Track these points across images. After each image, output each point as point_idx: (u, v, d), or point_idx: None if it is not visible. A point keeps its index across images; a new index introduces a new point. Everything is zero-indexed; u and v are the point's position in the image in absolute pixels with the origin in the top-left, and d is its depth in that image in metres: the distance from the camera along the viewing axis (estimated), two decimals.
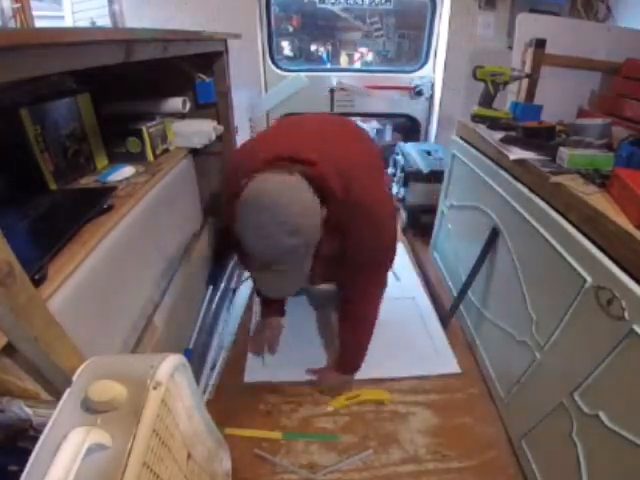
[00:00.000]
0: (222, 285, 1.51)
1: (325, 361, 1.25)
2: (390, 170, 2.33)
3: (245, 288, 1.59)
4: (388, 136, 2.76)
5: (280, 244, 0.66)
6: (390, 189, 1.06)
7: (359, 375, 1.21)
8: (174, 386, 0.57)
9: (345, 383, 1.16)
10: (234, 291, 1.56)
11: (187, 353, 1.23)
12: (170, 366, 0.53)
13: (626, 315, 0.64)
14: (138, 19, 2.03)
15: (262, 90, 2.26)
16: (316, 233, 0.71)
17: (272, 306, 1.28)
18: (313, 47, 2.64)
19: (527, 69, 1.52)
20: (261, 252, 0.69)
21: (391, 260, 0.99)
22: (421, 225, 2.00)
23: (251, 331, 1.37)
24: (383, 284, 1.02)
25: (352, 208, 0.81)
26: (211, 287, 1.53)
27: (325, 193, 0.74)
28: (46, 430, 0.45)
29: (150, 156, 1.15)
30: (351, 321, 1.06)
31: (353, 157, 0.87)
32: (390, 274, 1.04)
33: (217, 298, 1.47)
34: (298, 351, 1.29)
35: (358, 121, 2.29)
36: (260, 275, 0.78)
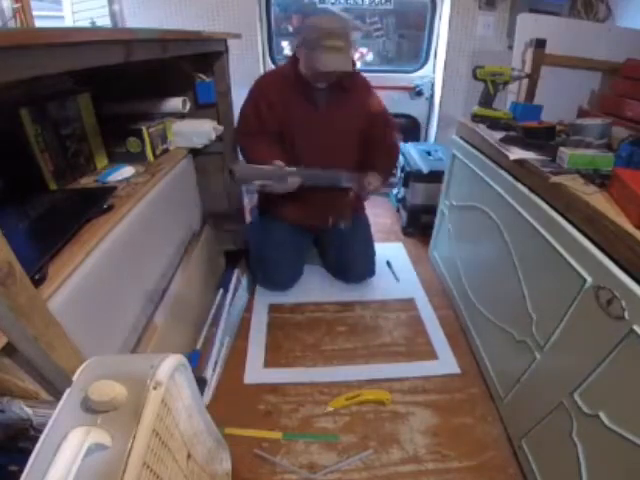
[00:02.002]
0: (231, 287, 1.52)
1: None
2: None
3: (244, 290, 1.59)
4: None
5: (345, 24, 1.20)
6: None
7: (359, 375, 1.22)
8: (174, 386, 0.57)
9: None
10: (234, 292, 1.56)
11: (195, 354, 1.24)
12: (170, 366, 0.53)
13: (626, 315, 0.64)
14: (138, 19, 2.03)
15: None
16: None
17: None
18: None
19: (527, 69, 1.52)
20: (334, 27, 1.12)
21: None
22: (421, 225, 2.01)
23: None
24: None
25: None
26: (221, 290, 1.53)
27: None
28: (46, 430, 0.45)
29: (150, 156, 1.15)
30: (387, 148, 1.39)
31: None
32: (390, 275, 1.41)
33: (228, 301, 1.48)
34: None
35: None
36: (330, 55, 1.12)
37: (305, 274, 1.64)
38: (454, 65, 2.23)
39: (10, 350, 0.52)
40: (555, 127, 1.12)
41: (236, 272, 1.67)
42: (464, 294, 1.39)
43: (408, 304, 1.55)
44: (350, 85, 1.27)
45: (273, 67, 2.34)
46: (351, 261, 1.57)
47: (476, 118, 1.39)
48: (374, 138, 1.36)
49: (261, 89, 1.28)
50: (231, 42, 1.33)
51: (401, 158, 2.12)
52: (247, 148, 1.35)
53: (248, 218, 1.81)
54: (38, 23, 1.59)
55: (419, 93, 2.41)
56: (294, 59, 1.25)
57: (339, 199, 1.43)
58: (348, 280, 1.62)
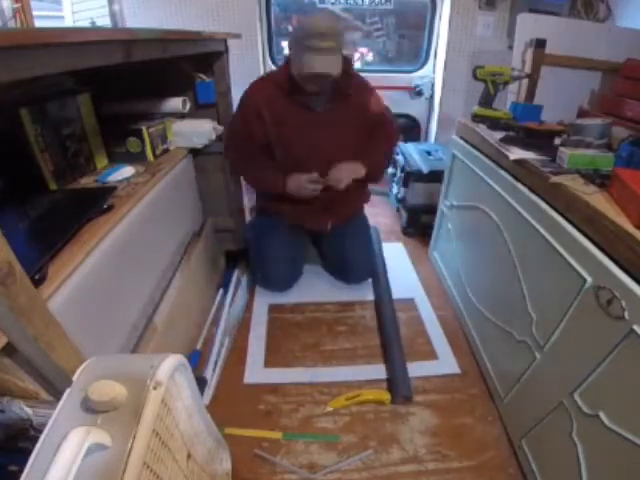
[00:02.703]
0: (231, 287, 1.52)
1: None
2: (390, 170, 2.33)
3: (244, 290, 1.59)
4: None
5: (335, 24, 1.10)
6: None
7: (359, 375, 1.22)
8: (174, 386, 0.57)
9: (357, 168, 1.28)
10: (234, 292, 1.56)
11: (195, 354, 1.24)
12: (170, 366, 0.53)
13: (626, 315, 0.64)
14: (138, 19, 2.03)
15: None
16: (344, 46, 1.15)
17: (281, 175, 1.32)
18: None
19: (527, 69, 1.52)
20: (320, 26, 1.04)
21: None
22: (421, 225, 2.01)
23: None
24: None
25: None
26: (221, 290, 1.53)
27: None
28: (46, 430, 0.45)
29: (150, 156, 1.15)
30: (379, 138, 1.34)
31: None
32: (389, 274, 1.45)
33: (228, 301, 1.47)
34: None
35: None
36: (315, 57, 1.06)
37: (305, 274, 1.64)
38: (454, 65, 2.23)
39: (10, 350, 0.52)
40: (556, 132, 1.12)
41: (236, 272, 1.67)
42: (464, 294, 1.39)
43: (408, 304, 1.54)
44: (348, 87, 1.24)
45: (273, 67, 2.35)
46: (351, 261, 1.56)
47: (476, 118, 1.39)
48: (374, 135, 1.33)
49: (249, 101, 1.25)
50: (231, 42, 1.33)
51: (401, 158, 2.12)
52: (238, 165, 1.39)
53: (248, 218, 1.81)
54: (38, 23, 1.59)
55: (419, 93, 2.41)
56: (287, 62, 1.21)
57: (338, 203, 1.42)
58: (348, 280, 1.62)
